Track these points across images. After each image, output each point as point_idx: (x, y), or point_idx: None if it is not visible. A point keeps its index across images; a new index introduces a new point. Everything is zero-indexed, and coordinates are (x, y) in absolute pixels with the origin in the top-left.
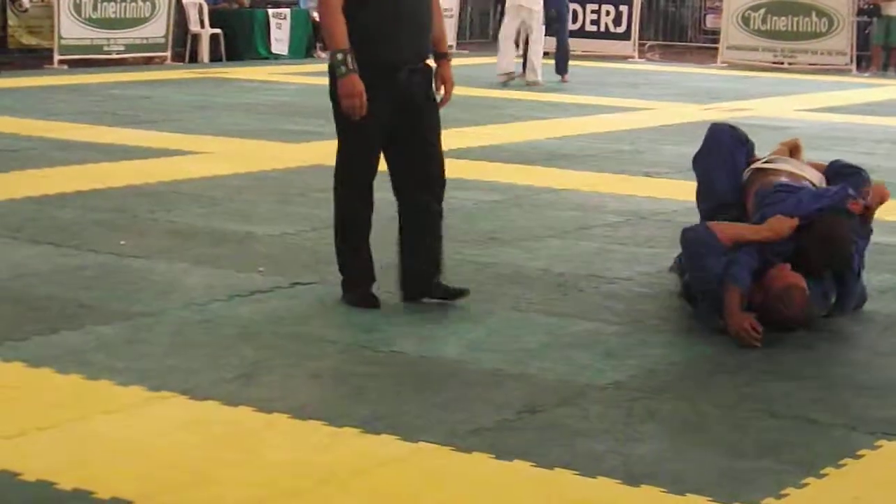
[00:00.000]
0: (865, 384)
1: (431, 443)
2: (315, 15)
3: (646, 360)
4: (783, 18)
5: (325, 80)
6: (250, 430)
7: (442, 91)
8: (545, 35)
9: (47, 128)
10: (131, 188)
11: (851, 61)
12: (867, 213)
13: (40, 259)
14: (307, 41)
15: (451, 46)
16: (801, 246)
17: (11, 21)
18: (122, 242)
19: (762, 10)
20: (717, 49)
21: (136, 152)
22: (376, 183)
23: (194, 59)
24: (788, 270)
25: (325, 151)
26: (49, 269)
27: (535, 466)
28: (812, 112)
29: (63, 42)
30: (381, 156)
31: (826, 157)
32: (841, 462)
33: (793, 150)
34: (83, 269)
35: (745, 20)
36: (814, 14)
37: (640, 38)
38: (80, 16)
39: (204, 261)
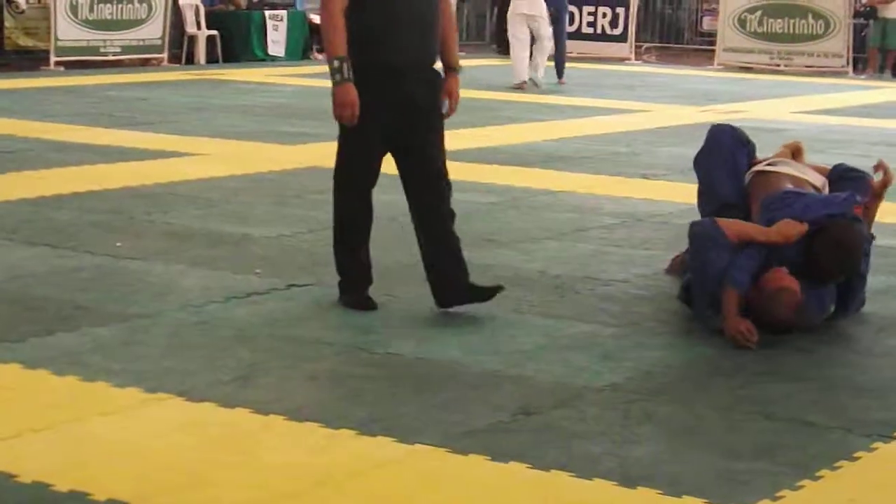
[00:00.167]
0: (862, 386)
1: (428, 444)
2: (312, 17)
3: (642, 362)
4: (779, 21)
5: (322, 83)
6: (247, 432)
7: (446, 104)
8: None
9: (44, 129)
10: (128, 190)
11: (848, 63)
12: (869, 211)
13: (37, 260)
14: (304, 43)
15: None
16: (813, 252)
17: (8, 22)
18: (118, 244)
19: (758, 13)
20: (713, 51)
21: (132, 154)
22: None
23: (191, 60)
24: (784, 273)
25: (321, 153)
26: (45, 271)
27: (531, 468)
28: (808, 114)
29: (59, 43)
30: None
31: (822, 160)
32: (836, 464)
33: (795, 153)
34: (79, 270)
35: (742, 22)
36: (810, 16)
37: (636, 41)
38: (76, 17)
39: (200, 262)
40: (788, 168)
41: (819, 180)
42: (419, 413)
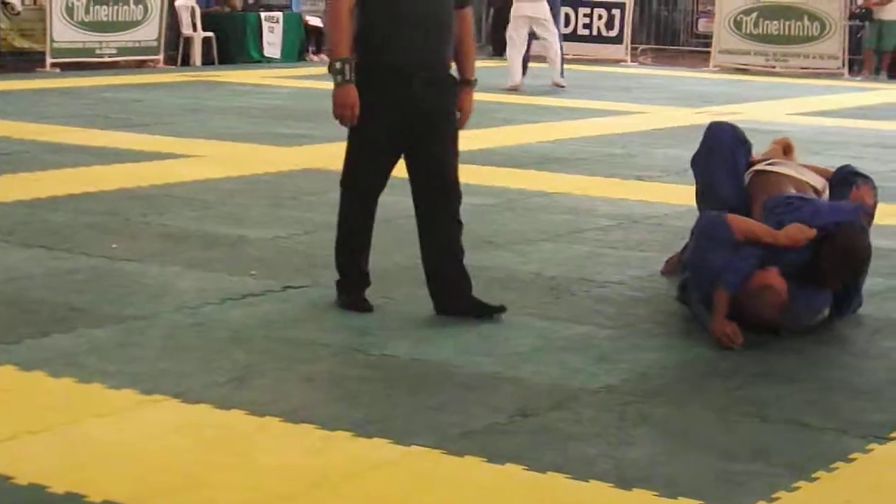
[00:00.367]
0: (857, 388)
1: (423, 446)
2: (308, 18)
3: (638, 363)
4: (775, 22)
5: (318, 84)
6: (242, 434)
7: (456, 118)
8: (535, 39)
9: (39, 131)
10: (123, 191)
11: (843, 65)
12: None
13: (32, 262)
14: (300, 45)
15: None
16: (819, 257)
17: (3, 24)
18: (113, 246)
19: (754, 14)
20: (709, 53)
21: (128, 155)
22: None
23: (186, 62)
24: (771, 272)
25: (317, 155)
26: (41, 273)
27: (527, 470)
28: (804, 116)
29: (55, 45)
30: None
31: (818, 162)
32: (832, 466)
33: (785, 150)
34: (75, 272)
35: (738, 24)
36: (806, 18)
37: (632, 42)
38: (72, 19)
39: (196, 264)
40: (788, 169)
41: (819, 182)
42: (415, 415)
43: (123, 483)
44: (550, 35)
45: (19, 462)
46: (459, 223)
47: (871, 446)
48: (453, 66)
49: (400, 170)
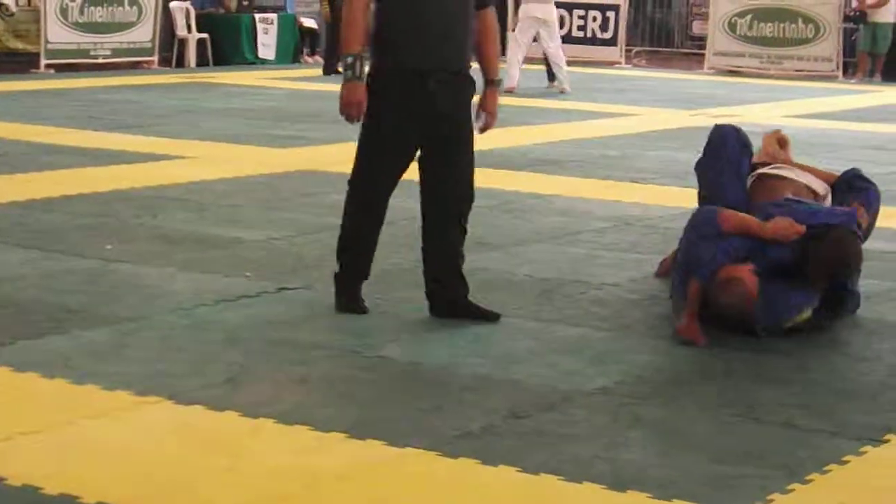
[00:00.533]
0: (851, 390)
1: (418, 448)
2: (302, 20)
3: (632, 365)
4: (770, 25)
5: (313, 86)
6: (236, 435)
7: (481, 119)
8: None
9: (34, 132)
10: (118, 193)
11: (838, 68)
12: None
13: (26, 263)
14: (294, 46)
15: None
16: (806, 255)
17: None
18: (108, 247)
19: (749, 17)
20: (703, 55)
21: (122, 157)
22: None
23: (181, 63)
24: (741, 266)
25: (311, 156)
26: (35, 274)
27: (521, 472)
28: (798, 118)
29: (50, 46)
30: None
31: (812, 164)
32: (826, 468)
33: (780, 143)
34: (69, 273)
35: (732, 26)
36: (800, 20)
37: (626, 44)
38: (66, 20)
39: (190, 266)
40: (790, 173)
41: (821, 187)
42: (409, 416)
43: (117, 484)
44: (554, 41)
45: (13, 463)
46: (464, 230)
47: (864, 448)
48: (475, 65)
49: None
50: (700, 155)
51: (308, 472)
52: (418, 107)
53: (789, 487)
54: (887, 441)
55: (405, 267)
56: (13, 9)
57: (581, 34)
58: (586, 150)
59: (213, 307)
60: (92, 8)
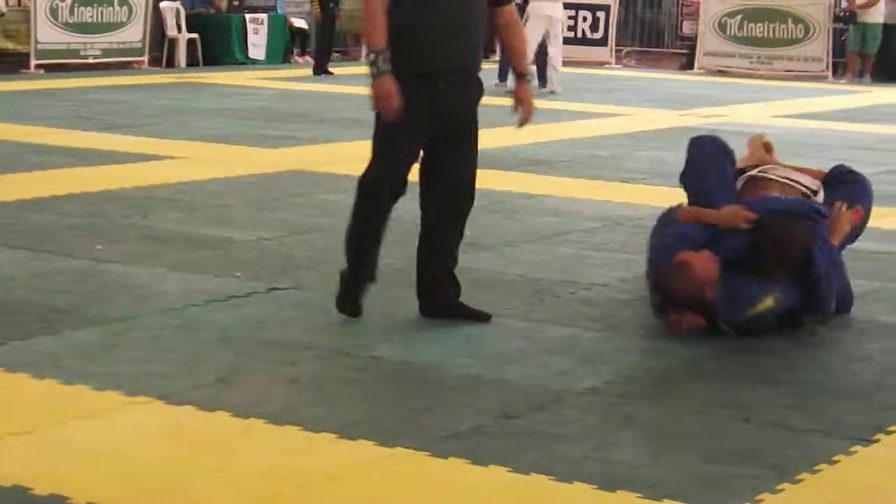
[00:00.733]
0: (841, 390)
1: (408, 448)
2: (292, 20)
3: (622, 365)
4: (760, 25)
5: (303, 86)
6: (227, 436)
7: (519, 112)
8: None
9: (23, 132)
10: (108, 193)
11: (827, 68)
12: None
13: (16, 264)
14: (284, 46)
15: None
16: (754, 241)
17: None
18: (98, 247)
19: (739, 17)
20: (693, 55)
21: (112, 157)
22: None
23: (171, 63)
24: (698, 253)
25: (302, 156)
26: (25, 274)
27: (511, 472)
28: (788, 118)
29: (40, 46)
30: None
31: (802, 164)
32: (816, 467)
33: (766, 147)
34: (59, 274)
35: (722, 26)
36: (790, 21)
37: (616, 45)
38: (56, 20)
39: (181, 266)
40: (778, 174)
41: (813, 184)
42: (399, 417)
43: (107, 485)
44: (558, 42)
45: (3, 464)
46: (461, 233)
47: (855, 448)
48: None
49: None
50: (682, 169)
51: (298, 473)
52: (427, 106)
53: (779, 487)
54: (878, 441)
55: (396, 267)
56: (3, 9)
57: (571, 34)
58: (576, 151)
59: (204, 307)
60: (82, 8)
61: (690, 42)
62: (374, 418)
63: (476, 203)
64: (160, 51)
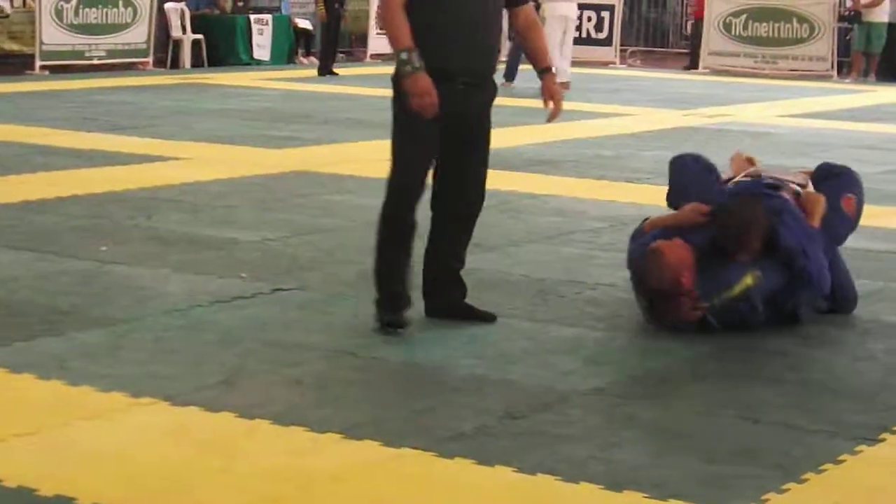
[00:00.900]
0: (846, 389)
1: (413, 448)
2: (297, 21)
3: (627, 365)
4: (764, 24)
5: (307, 87)
6: (231, 437)
7: (550, 105)
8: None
9: (28, 133)
10: (112, 194)
11: (832, 67)
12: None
13: (20, 265)
14: (289, 47)
15: None
16: (714, 231)
17: None
18: (102, 248)
19: (743, 16)
20: (698, 55)
21: (117, 158)
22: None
23: (176, 64)
24: (670, 241)
25: (306, 157)
26: (29, 276)
27: (516, 472)
28: (793, 118)
29: (45, 48)
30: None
31: (806, 164)
32: (821, 467)
33: (749, 162)
34: (64, 275)
35: (727, 26)
36: (795, 20)
37: (621, 44)
38: (61, 21)
39: (185, 267)
40: (765, 174)
41: (802, 179)
42: (404, 417)
43: (112, 486)
44: (570, 42)
45: (8, 465)
46: (470, 235)
47: (860, 448)
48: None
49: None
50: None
51: (303, 473)
52: (445, 106)
53: (785, 487)
54: (883, 440)
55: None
56: (8, 10)
57: (576, 34)
58: (581, 150)
59: (208, 308)
60: (87, 9)
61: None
62: (379, 419)
63: None
64: (165, 52)
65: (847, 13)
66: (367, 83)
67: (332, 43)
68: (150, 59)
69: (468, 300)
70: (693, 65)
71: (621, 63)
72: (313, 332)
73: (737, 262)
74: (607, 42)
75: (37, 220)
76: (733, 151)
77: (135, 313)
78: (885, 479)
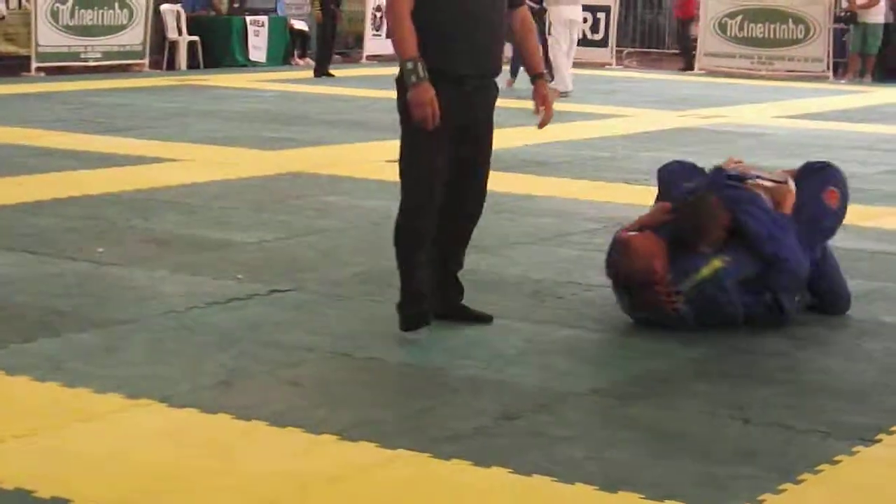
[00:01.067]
0: (842, 390)
1: (410, 450)
2: (293, 22)
3: (623, 366)
4: (760, 25)
5: (304, 88)
6: (228, 438)
7: (541, 112)
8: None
9: (24, 135)
10: (108, 196)
11: (828, 68)
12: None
13: (17, 267)
14: (285, 49)
15: None
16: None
17: None
18: (99, 250)
19: (739, 17)
20: (694, 56)
21: (113, 160)
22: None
23: (172, 66)
24: (636, 233)
25: (302, 158)
26: (25, 277)
27: (513, 473)
28: (789, 119)
29: (40, 49)
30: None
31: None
32: (818, 468)
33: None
34: (60, 276)
35: (723, 27)
36: (790, 21)
37: (617, 46)
38: (57, 23)
39: (181, 268)
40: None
41: (780, 176)
42: (401, 418)
43: (109, 488)
44: (575, 37)
45: (5, 467)
46: (469, 237)
47: (856, 448)
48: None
49: (386, 173)
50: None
51: (300, 475)
52: (455, 108)
53: (781, 487)
54: (879, 441)
55: (394, 268)
56: (3, 12)
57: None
58: (577, 152)
59: (205, 309)
60: (82, 11)
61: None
62: (376, 420)
63: None
64: (161, 53)
65: (843, 14)
66: (364, 84)
67: (328, 44)
68: (146, 61)
69: (464, 302)
70: (687, 66)
71: (617, 64)
72: (310, 334)
73: (702, 253)
74: (603, 43)
75: (33, 222)
76: (726, 158)
77: (132, 315)
78: (881, 479)
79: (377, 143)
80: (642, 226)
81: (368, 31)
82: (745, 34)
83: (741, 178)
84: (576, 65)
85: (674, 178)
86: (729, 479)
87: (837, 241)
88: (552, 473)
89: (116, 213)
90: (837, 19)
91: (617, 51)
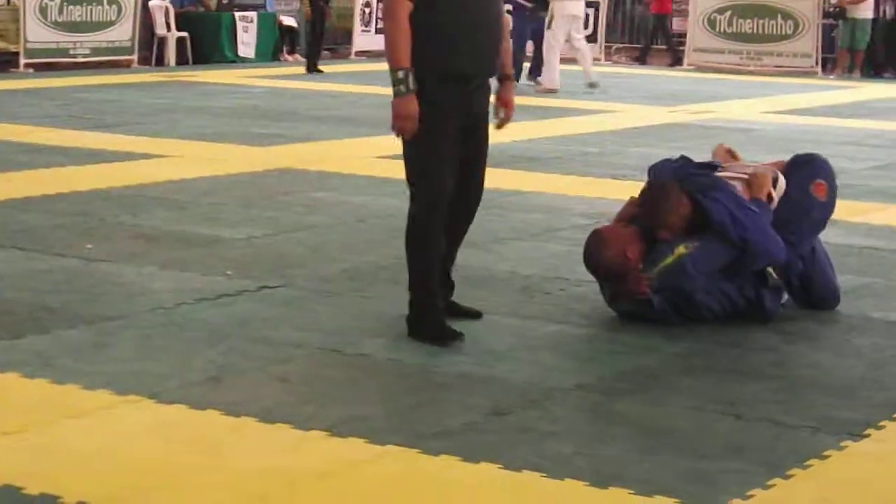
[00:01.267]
0: (831, 385)
1: (399, 445)
2: (282, 18)
3: (612, 362)
4: (749, 21)
5: (293, 84)
6: (217, 434)
7: (501, 114)
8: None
9: (12, 131)
10: (97, 192)
11: (817, 64)
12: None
13: (5, 263)
14: (274, 45)
15: None
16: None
17: None
18: (88, 246)
19: (728, 13)
20: (683, 52)
21: (102, 156)
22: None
23: (161, 62)
24: (610, 224)
25: (291, 154)
26: (14, 274)
27: (502, 468)
28: (777, 114)
29: (29, 46)
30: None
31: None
32: (807, 463)
33: (731, 154)
34: (49, 273)
35: (711, 23)
36: (779, 17)
37: (606, 41)
38: (45, 19)
39: (171, 264)
40: (733, 172)
41: (771, 171)
42: (390, 414)
43: (98, 484)
44: (581, 35)
45: None
46: (463, 236)
47: (845, 443)
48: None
49: (375, 169)
50: None
51: (289, 471)
52: (460, 108)
53: (770, 482)
54: (868, 436)
55: (383, 264)
56: None
57: None
58: (566, 147)
59: (194, 306)
60: (71, 7)
61: (680, 38)
62: (365, 416)
63: None
64: (150, 49)
65: (831, 10)
66: (353, 80)
67: (317, 40)
68: (135, 57)
69: (455, 299)
70: (643, 60)
71: (606, 60)
72: (299, 330)
73: (667, 241)
74: (592, 39)
75: (22, 218)
76: (715, 145)
77: (121, 311)
78: (870, 473)
79: (366, 139)
80: (619, 220)
81: (357, 27)
82: (735, 30)
83: (710, 165)
84: (565, 61)
85: (664, 175)
86: (718, 474)
87: (826, 237)
88: (542, 469)
89: (105, 210)
90: (826, 15)
91: (606, 46)
